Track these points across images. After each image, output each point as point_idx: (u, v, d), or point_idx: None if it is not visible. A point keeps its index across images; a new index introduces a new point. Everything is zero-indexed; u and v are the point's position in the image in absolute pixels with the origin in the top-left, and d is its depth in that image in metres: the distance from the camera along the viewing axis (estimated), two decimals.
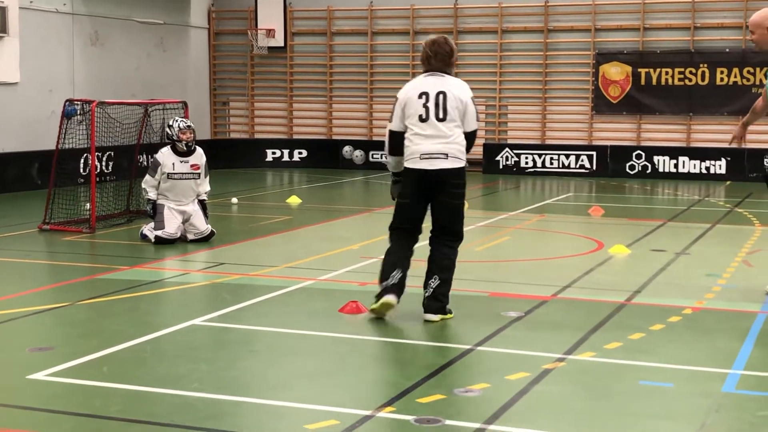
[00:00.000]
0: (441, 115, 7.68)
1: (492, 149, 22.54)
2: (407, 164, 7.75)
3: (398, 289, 7.75)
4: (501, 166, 22.38)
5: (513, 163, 22.32)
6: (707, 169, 21.22)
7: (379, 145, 23.27)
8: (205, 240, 11.80)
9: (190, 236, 11.82)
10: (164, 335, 7.30)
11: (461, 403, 5.71)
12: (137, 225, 12.85)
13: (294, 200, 16.46)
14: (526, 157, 22.28)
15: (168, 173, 11.83)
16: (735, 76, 20.69)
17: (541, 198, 18.23)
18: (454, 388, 5.93)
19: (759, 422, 5.43)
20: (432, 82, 7.77)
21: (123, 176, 15.83)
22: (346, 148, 23.63)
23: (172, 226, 11.67)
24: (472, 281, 9.46)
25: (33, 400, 5.78)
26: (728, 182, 20.35)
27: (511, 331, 7.49)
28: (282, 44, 23.98)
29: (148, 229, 11.83)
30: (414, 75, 23.06)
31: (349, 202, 17.95)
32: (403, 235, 7.90)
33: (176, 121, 12.03)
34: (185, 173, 11.94)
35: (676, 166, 21.32)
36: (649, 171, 21.21)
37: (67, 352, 6.81)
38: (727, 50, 20.74)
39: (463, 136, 7.75)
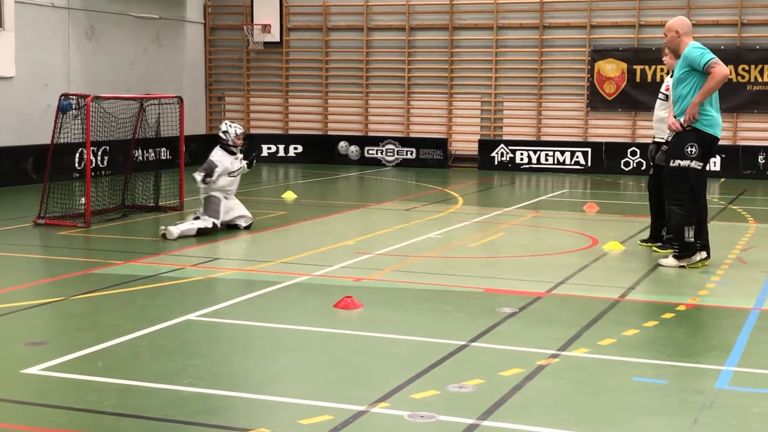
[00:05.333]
0: None
1: (487, 145, 22.53)
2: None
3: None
4: (496, 162, 22.37)
5: (508, 159, 22.33)
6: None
7: (373, 141, 23.31)
8: (247, 228, 12.41)
9: (243, 223, 12.44)
10: (159, 330, 7.31)
11: (455, 398, 5.72)
12: (132, 220, 12.86)
13: (289, 195, 16.46)
14: (521, 154, 22.29)
15: (231, 171, 12.53)
16: (730, 73, 20.66)
17: (536, 194, 18.24)
18: (447, 384, 5.94)
19: (752, 418, 5.46)
20: None
21: (118, 171, 15.82)
22: (342, 144, 23.62)
23: (222, 218, 12.29)
24: (467, 277, 9.47)
25: (27, 395, 5.78)
26: (723, 179, 20.38)
27: (506, 327, 7.51)
28: (278, 39, 23.96)
29: (203, 216, 12.17)
30: (410, 71, 23.27)
31: (344, 197, 17.95)
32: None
33: (231, 126, 12.74)
34: (240, 169, 12.70)
35: None
36: (644, 168, 21.20)
37: (62, 346, 6.82)
38: (722, 47, 20.71)
39: None
